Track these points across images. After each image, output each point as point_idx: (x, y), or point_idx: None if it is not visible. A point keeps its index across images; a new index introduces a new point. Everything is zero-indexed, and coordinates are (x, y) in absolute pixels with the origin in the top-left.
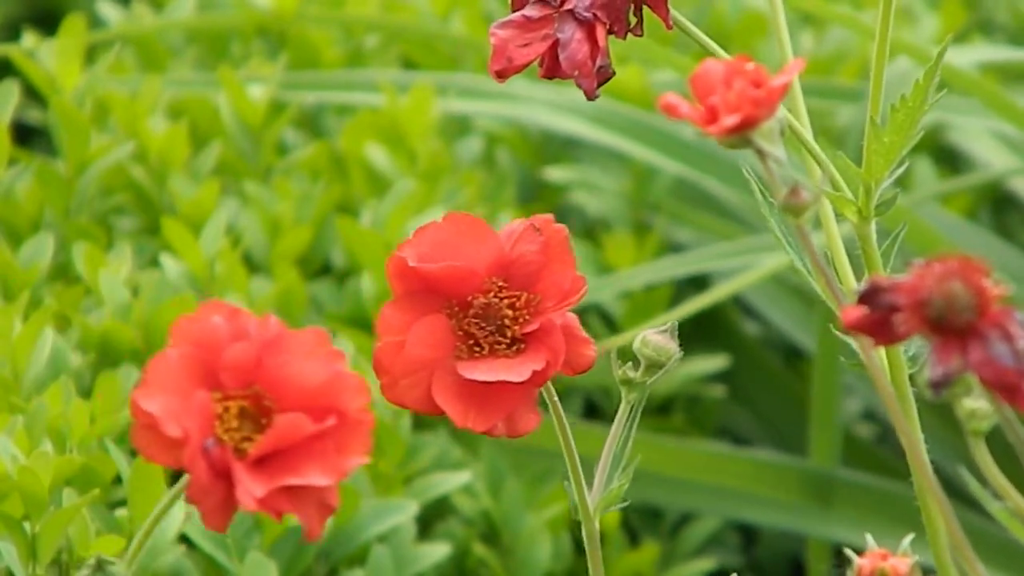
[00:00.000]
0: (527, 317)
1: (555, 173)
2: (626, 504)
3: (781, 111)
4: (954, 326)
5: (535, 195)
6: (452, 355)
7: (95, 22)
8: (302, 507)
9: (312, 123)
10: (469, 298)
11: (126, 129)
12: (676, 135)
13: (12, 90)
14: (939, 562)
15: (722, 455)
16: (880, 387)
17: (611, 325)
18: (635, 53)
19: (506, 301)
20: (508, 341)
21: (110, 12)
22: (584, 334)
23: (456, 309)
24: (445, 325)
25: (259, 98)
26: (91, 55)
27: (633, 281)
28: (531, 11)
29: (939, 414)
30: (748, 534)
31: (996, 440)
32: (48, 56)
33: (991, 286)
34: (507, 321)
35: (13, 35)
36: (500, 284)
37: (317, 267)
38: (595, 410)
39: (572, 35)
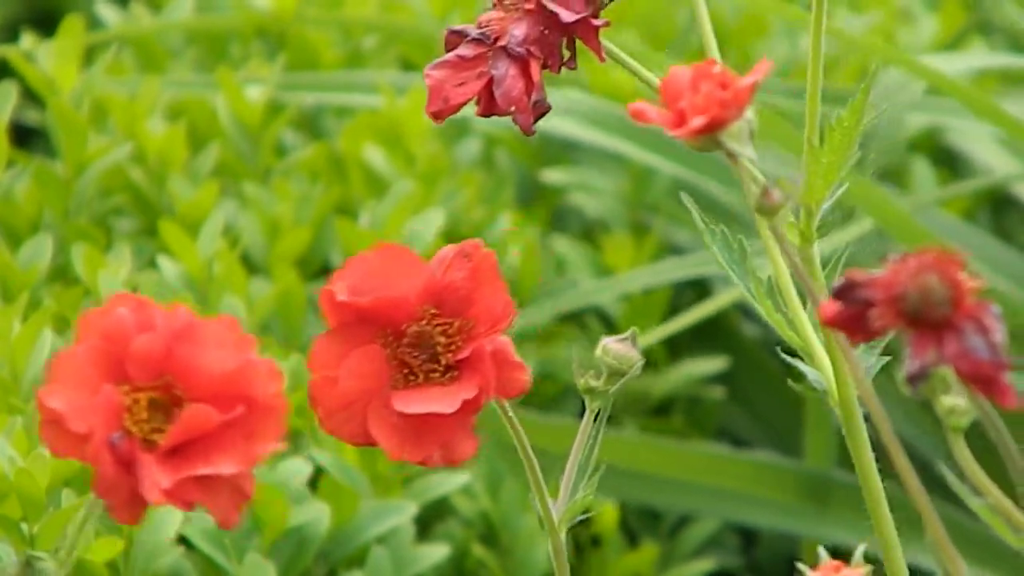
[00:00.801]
0: (459, 343)
1: (553, 175)
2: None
3: (750, 113)
4: (929, 320)
5: (533, 196)
6: (387, 385)
7: (94, 23)
8: (213, 496)
9: (311, 124)
10: (403, 327)
11: (125, 130)
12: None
13: (10, 91)
14: (887, 556)
15: (721, 457)
16: (859, 382)
17: (611, 327)
18: (631, 55)
19: (439, 328)
20: (442, 369)
21: (109, 13)
22: (517, 359)
23: (390, 338)
24: (379, 355)
25: (257, 99)
26: (90, 56)
27: (632, 284)
28: (465, 50)
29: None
30: (747, 535)
31: (978, 436)
32: (46, 57)
33: (966, 279)
34: (440, 348)
35: (12, 36)
36: (432, 312)
37: (316, 268)
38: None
39: (506, 71)
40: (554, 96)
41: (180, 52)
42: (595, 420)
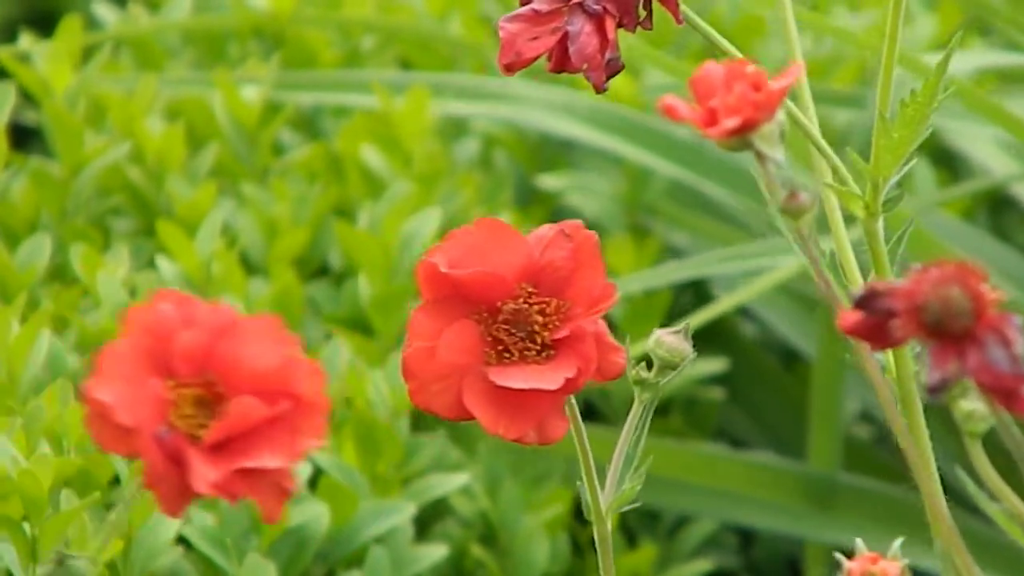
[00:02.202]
0: (557, 323)
1: (549, 181)
2: (637, 505)
3: (780, 114)
4: (951, 331)
5: (532, 197)
6: (482, 361)
7: (91, 23)
8: (258, 490)
9: (309, 124)
10: (498, 304)
11: (122, 130)
12: (672, 137)
13: (8, 92)
14: (945, 566)
15: (720, 457)
16: (880, 391)
17: (611, 328)
18: (628, 54)
19: (536, 307)
20: (538, 347)
21: (106, 13)
22: (614, 341)
23: (485, 315)
24: (475, 331)
25: (254, 99)
26: (88, 56)
27: (633, 286)
28: (540, 4)
29: (937, 415)
30: (746, 536)
31: (994, 442)
32: (41, 58)
33: (988, 291)
34: (537, 327)
35: (10, 36)
36: (530, 290)
37: (314, 268)
38: (593, 411)
39: (582, 28)
40: (553, 95)
41: (178, 52)
42: (643, 412)
